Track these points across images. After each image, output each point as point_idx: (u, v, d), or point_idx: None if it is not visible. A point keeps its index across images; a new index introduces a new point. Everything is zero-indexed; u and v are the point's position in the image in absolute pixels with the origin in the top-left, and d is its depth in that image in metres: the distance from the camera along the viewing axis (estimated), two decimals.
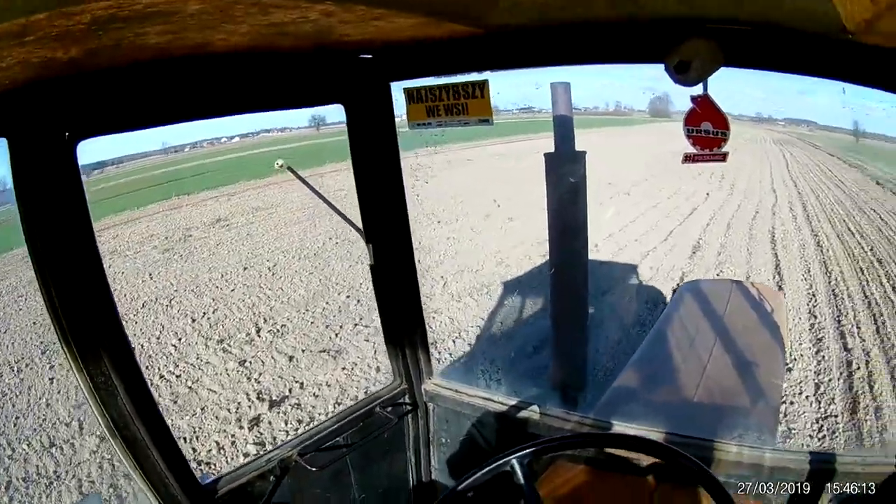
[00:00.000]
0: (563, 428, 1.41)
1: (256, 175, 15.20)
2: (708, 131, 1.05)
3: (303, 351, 4.93)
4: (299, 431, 2.90)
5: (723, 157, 1.06)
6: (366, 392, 4.05)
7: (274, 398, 4.16)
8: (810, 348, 4.97)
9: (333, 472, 1.43)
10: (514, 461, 0.94)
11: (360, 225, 1.35)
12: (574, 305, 2.73)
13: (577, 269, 2.57)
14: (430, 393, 1.59)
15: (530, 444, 0.95)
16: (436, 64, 1.12)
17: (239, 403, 4.09)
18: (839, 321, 5.41)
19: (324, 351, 4.89)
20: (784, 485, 1.37)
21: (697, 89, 1.03)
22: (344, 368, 4.54)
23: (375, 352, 4.73)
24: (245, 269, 7.67)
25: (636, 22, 0.93)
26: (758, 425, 2.21)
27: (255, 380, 4.44)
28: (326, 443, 1.40)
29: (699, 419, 2.26)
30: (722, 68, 0.97)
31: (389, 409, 1.53)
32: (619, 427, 1.45)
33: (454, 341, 4.98)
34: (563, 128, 2.68)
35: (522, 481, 0.91)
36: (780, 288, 6.35)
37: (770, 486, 1.38)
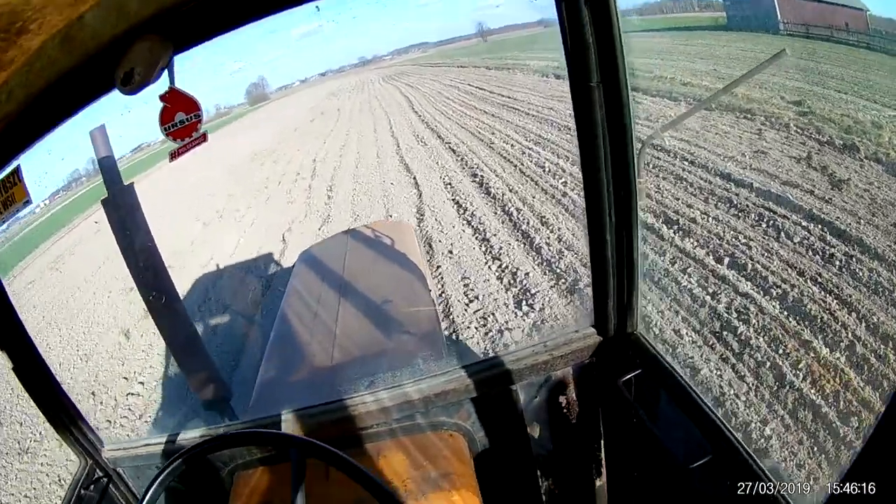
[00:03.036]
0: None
1: None
2: (183, 120, 1.22)
3: None
4: None
5: (203, 138, 1.24)
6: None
7: None
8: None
9: None
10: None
11: None
12: (180, 328, 3.01)
13: (167, 293, 2.86)
14: (112, 459, 1.81)
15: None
16: None
17: None
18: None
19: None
20: (464, 405, 1.66)
21: (164, 86, 1.27)
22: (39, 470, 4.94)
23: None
24: None
25: (87, 59, 1.06)
26: (422, 357, 2.54)
27: None
28: None
29: (346, 378, 2.46)
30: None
31: (91, 487, 1.75)
32: (274, 417, 1.69)
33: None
34: (109, 171, 2.79)
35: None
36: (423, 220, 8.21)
37: (451, 409, 1.66)
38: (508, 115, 13.73)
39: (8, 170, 1.29)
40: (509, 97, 16.30)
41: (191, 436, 1.76)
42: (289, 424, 1.64)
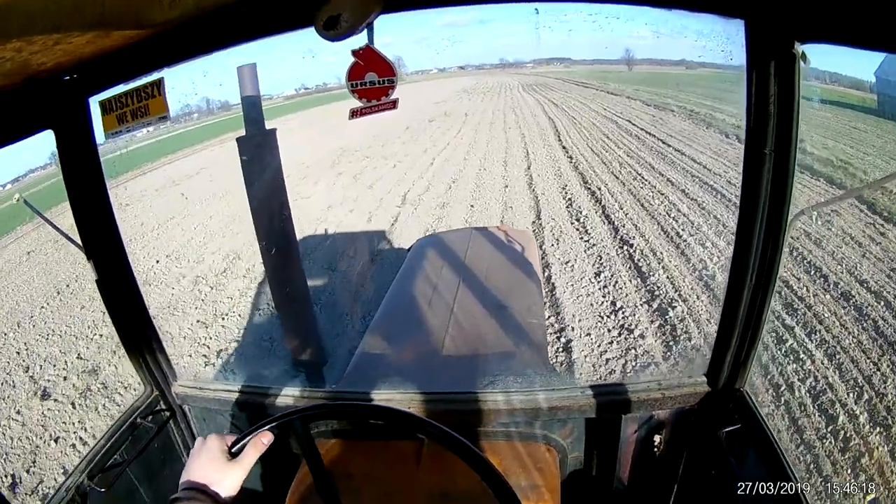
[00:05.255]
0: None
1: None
2: (373, 82, 1.26)
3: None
4: (83, 453, 3.25)
5: (393, 105, 1.29)
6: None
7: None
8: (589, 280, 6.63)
9: (125, 489, 1.79)
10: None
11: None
12: (292, 283, 3.17)
13: (286, 246, 3.05)
14: (181, 396, 1.97)
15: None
16: (124, 71, 1.38)
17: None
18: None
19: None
20: (569, 423, 1.83)
21: (360, 41, 1.28)
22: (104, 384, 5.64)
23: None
24: None
25: None
26: (523, 368, 2.66)
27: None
28: (108, 461, 1.75)
29: (456, 371, 2.65)
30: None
31: (150, 417, 1.91)
32: (366, 394, 1.83)
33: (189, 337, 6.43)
34: (252, 109, 3.04)
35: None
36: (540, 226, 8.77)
37: (554, 425, 1.83)
38: (671, 171, 11.72)
39: (148, 79, 1.37)
40: (671, 147, 14.37)
41: (276, 394, 1.88)
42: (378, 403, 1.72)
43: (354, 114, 1.29)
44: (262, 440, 1.07)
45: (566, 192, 10.82)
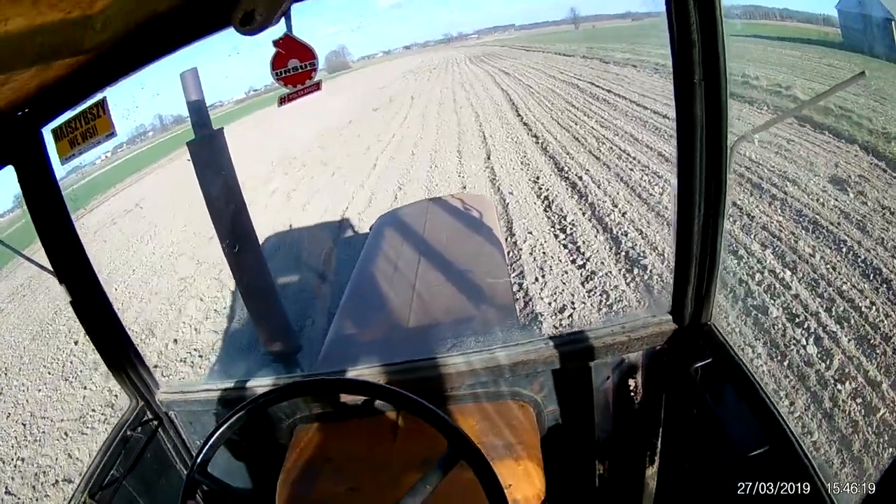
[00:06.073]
0: None
1: None
2: (296, 67, 1.47)
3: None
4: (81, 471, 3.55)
5: (317, 87, 1.50)
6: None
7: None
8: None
9: (125, 502, 2.00)
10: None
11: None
12: (257, 277, 3.55)
13: (247, 241, 3.27)
14: (166, 403, 2.19)
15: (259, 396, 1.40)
16: (69, 97, 1.58)
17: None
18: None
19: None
20: (538, 377, 2.02)
21: (278, 32, 1.48)
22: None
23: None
24: None
25: None
26: (488, 328, 2.95)
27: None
28: (105, 477, 1.94)
29: (423, 340, 2.99)
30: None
31: (139, 429, 2.12)
32: (340, 373, 2.06)
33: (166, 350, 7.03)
34: (198, 113, 3.40)
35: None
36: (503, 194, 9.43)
37: (522, 381, 2.02)
38: (659, 142, 10.79)
39: (92, 101, 1.60)
40: (649, 109, 13.63)
41: (252, 385, 2.10)
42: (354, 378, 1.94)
43: (283, 100, 1.50)
44: None
45: (540, 189, 9.65)
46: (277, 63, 1.46)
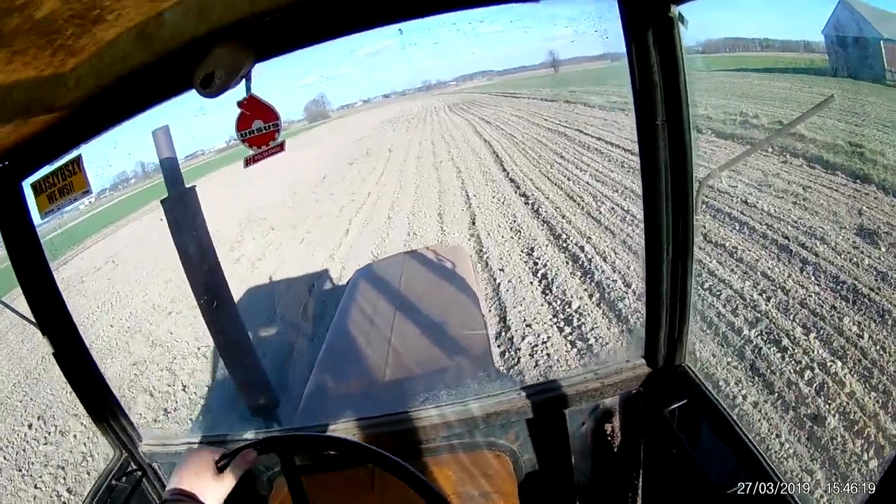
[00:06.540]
0: None
1: None
2: (260, 128, 1.57)
3: None
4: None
5: (280, 147, 1.59)
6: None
7: None
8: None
9: None
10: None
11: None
12: (233, 333, 3.73)
13: (221, 297, 3.43)
14: (148, 454, 2.30)
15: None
16: (47, 152, 1.70)
17: None
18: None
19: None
20: (512, 427, 2.13)
21: (242, 92, 1.55)
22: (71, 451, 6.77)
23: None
24: None
25: (163, 57, 1.43)
26: (462, 380, 3.14)
27: None
28: None
29: (399, 393, 3.14)
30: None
31: (123, 479, 2.24)
32: (320, 427, 2.17)
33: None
34: (170, 170, 3.61)
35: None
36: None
37: (496, 430, 2.12)
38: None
39: (68, 158, 1.72)
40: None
41: (232, 438, 2.24)
42: (335, 434, 2.03)
43: (248, 162, 1.59)
44: (247, 458, 1.35)
45: (536, 264, 8.73)
46: (242, 124, 1.56)
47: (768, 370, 4.98)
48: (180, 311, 10.61)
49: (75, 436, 7.13)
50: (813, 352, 5.09)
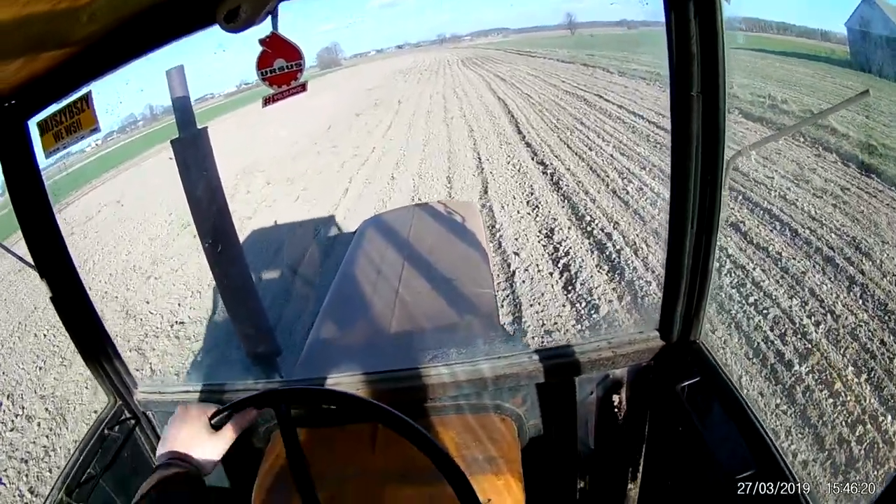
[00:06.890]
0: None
1: None
2: (283, 67, 1.52)
3: None
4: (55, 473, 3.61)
5: (303, 88, 1.55)
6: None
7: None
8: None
9: (101, 500, 2.10)
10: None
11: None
12: (237, 279, 3.70)
13: (227, 242, 3.57)
14: (143, 402, 2.30)
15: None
16: (56, 90, 1.66)
17: None
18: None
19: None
20: (521, 391, 2.11)
21: (265, 30, 1.52)
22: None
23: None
24: None
25: None
26: (470, 338, 3.08)
27: None
28: (83, 475, 2.06)
29: (405, 348, 3.11)
30: None
31: (116, 427, 2.25)
32: (319, 380, 2.15)
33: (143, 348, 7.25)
34: (183, 111, 3.50)
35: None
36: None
37: (504, 394, 2.11)
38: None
39: (77, 95, 1.68)
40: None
41: (230, 388, 2.23)
42: (337, 388, 1.99)
43: (267, 101, 1.55)
44: (246, 416, 1.30)
45: (556, 249, 7.67)
46: (263, 62, 1.51)
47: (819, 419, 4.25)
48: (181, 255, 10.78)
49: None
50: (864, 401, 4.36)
